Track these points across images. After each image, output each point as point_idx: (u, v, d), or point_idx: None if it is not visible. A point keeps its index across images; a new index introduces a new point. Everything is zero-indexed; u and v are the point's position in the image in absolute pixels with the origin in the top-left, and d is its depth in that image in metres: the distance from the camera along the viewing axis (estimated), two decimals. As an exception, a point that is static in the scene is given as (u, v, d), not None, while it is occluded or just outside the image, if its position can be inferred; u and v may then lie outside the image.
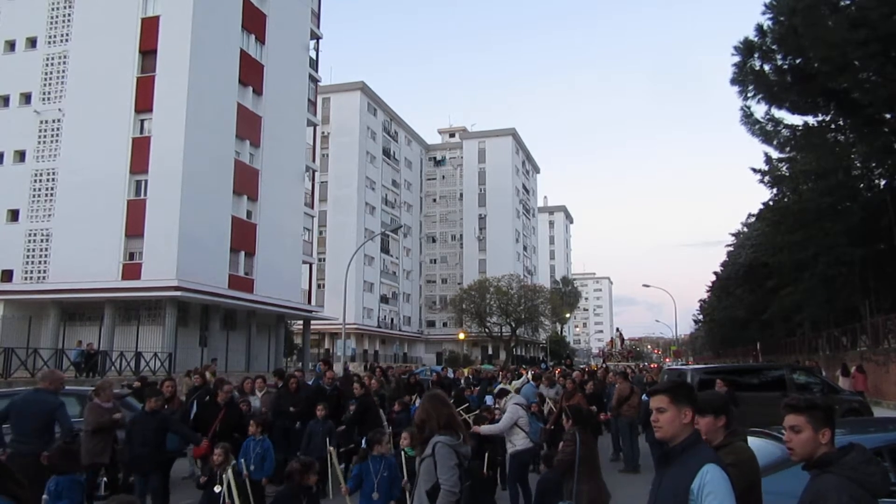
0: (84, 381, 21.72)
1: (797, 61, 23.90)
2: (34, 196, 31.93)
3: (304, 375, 16.52)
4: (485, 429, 8.32)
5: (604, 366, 33.08)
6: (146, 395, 8.63)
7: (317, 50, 45.18)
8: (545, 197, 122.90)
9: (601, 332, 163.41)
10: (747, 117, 26.73)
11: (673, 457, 2.93)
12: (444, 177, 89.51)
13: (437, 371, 29.70)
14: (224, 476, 6.52)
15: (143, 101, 31.17)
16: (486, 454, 8.17)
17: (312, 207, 45.29)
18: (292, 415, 10.59)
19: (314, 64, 44.51)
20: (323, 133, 60.13)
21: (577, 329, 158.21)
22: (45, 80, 32.71)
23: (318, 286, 57.53)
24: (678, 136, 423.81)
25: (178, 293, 28.66)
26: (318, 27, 45.51)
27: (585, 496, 5.94)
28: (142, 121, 31.52)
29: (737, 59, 24.65)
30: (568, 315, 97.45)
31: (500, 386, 12.37)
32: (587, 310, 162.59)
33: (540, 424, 10.79)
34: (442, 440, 4.15)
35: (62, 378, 7.94)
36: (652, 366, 48.40)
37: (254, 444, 7.93)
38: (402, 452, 6.79)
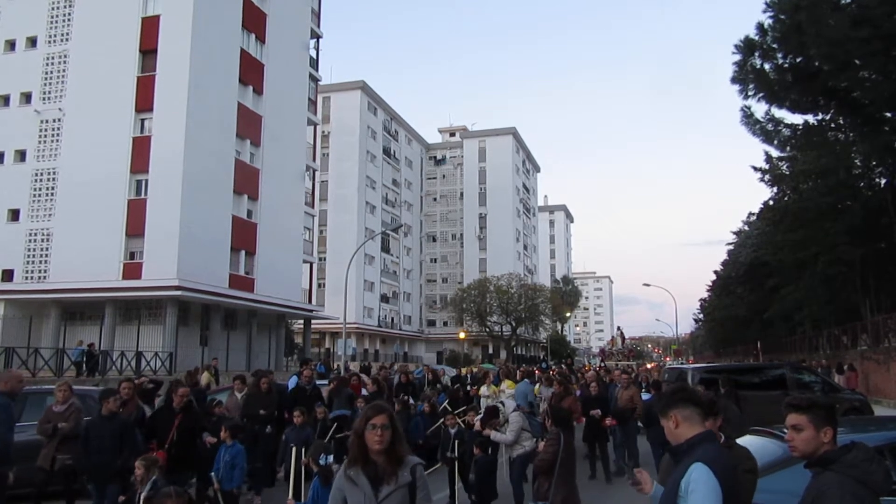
0: (85, 380, 21.72)
1: (798, 60, 23.85)
2: (35, 196, 31.94)
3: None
4: (496, 437, 8.30)
5: (602, 365, 32.80)
6: (113, 398, 7.83)
7: (317, 49, 45.22)
8: (545, 196, 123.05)
9: (601, 331, 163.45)
10: (748, 116, 26.69)
11: (678, 456, 2.95)
12: (444, 176, 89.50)
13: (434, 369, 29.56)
14: (141, 495, 5.69)
15: (144, 101, 31.17)
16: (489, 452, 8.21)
17: (313, 207, 45.30)
18: (263, 418, 10.05)
19: (314, 63, 44.49)
20: (323, 132, 60.13)
21: (578, 328, 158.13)
22: (46, 79, 32.71)
23: (319, 285, 57.55)
24: (679, 135, 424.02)
25: (179, 293, 28.66)
26: (319, 26, 45.49)
27: (560, 499, 5.90)
28: (142, 120, 31.52)
29: (737, 57, 24.59)
30: (568, 314, 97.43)
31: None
32: (588, 309, 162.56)
33: (538, 420, 10.80)
34: (419, 461, 3.40)
35: (19, 377, 7.44)
36: (651, 365, 48.38)
37: (224, 450, 7.39)
38: None
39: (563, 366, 35.81)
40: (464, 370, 30.69)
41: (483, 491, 7.96)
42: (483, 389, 15.06)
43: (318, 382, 13.76)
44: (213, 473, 7.11)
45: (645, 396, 12.47)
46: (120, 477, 7.13)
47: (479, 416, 9.32)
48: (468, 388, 16.95)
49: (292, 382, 13.66)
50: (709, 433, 2.98)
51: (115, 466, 7.06)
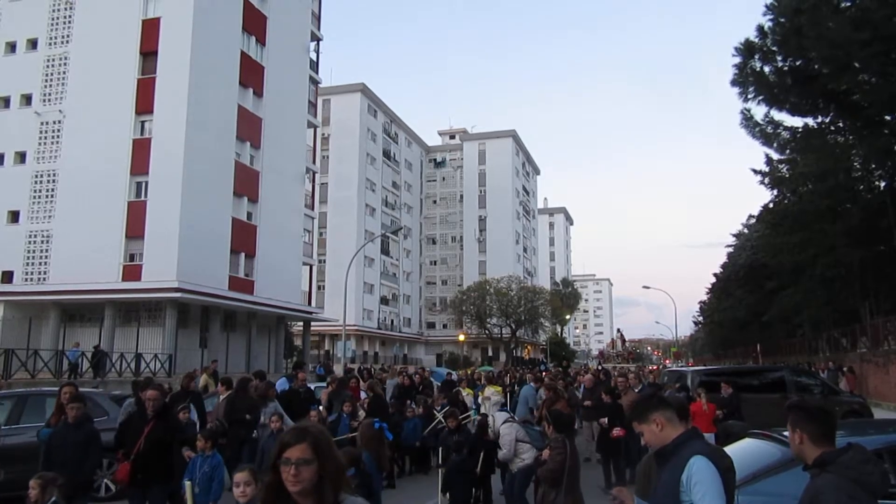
0: (85, 382, 21.71)
1: (798, 63, 23.92)
2: (35, 197, 31.94)
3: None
4: (503, 457, 7.99)
5: (600, 367, 32.45)
6: (77, 405, 6.90)
7: (317, 52, 45.26)
8: (545, 198, 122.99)
9: (601, 333, 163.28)
10: (747, 119, 26.75)
11: (668, 455, 3.00)
12: (444, 178, 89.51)
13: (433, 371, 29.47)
14: None
15: (144, 103, 31.18)
16: (482, 454, 8.11)
17: (313, 209, 45.30)
18: (248, 423, 9.64)
19: (314, 65, 44.54)
20: (323, 134, 60.13)
21: (578, 331, 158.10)
22: (46, 81, 32.72)
23: (319, 288, 57.50)
24: (679, 137, 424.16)
25: (179, 294, 28.65)
26: (319, 29, 45.54)
27: None
28: (142, 122, 31.53)
29: (737, 60, 24.67)
30: (568, 317, 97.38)
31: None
32: (587, 311, 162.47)
33: (537, 428, 10.71)
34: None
35: None
36: (653, 368, 48.30)
37: (201, 460, 6.63)
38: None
39: (560, 369, 35.67)
40: (461, 372, 30.59)
41: (453, 492, 7.86)
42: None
43: (316, 385, 13.74)
44: (187, 481, 6.36)
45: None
46: (83, 490, 6.65)
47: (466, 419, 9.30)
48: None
49: (281, 384, 13.60)
50: (695, 430, 3.08)
51: (78, 479, 6.41)
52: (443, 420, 10.81)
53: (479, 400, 13.28)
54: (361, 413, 10.90)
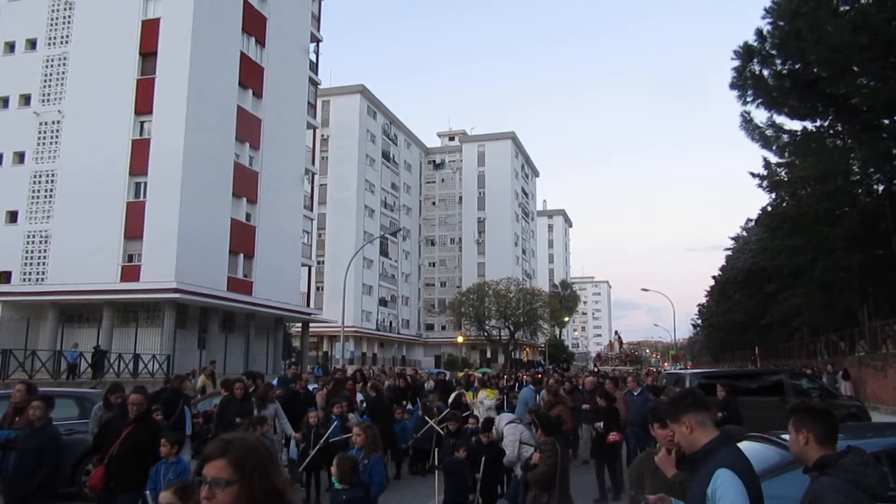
0: (84, 382, 21.72)
1: (797, 66, 23.95)
2: (33, 197, 31.90)
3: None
4: (507, 461, 7.86)
5: (596, 370, 32.25)
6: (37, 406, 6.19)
7: (317, 53, 45.25)
8: (544, 201, 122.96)
9: (600, 335, 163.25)
10: (747, 122, 26.79)
11: (698, 463, 2.90)
12: (443, 180, 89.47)
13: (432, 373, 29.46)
14: None
15: (143, 103, 31.16)
16: (483, 459, 8.07)
17: (312, 210, 45.26)
18: (239, 427, 9.21)
19: (314, 67, 44.53)
20: (322, 136, 60.09)
21: (576, 333, 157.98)
22: (45, 81, 32.70)
23: (317, 289, 57.45)
24: (679, 140, 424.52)
25: (177, 295, 28.61)
26: (319, 30, 45.54)
27: None
28: (141, 123, 31.51)
29: (736, 63, 24.70)
30: (566, 319, 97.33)
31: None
32: (586, 314, 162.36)
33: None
34: None
35: None
36: (653, 369, 48.19)
37: (165, 468, 6.11)
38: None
39: (557, 371, 35.57)
40: (460, 374, 30.58)
41: (448, 492, 7.86)
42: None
43: (312, 387, 13.68)
44: (148, 492, 5.93)
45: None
46: (42, 498, 6.10)
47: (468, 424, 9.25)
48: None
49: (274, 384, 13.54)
50: (724, 437, 2.95)
51: (31, 485, 5.98)
52: (435, 426, 10.80)
53: (475, 403, 13.26)
54: (353, 416, 10.87)
